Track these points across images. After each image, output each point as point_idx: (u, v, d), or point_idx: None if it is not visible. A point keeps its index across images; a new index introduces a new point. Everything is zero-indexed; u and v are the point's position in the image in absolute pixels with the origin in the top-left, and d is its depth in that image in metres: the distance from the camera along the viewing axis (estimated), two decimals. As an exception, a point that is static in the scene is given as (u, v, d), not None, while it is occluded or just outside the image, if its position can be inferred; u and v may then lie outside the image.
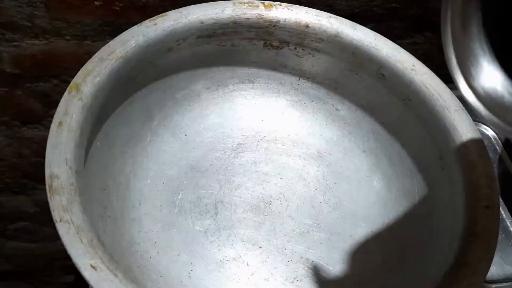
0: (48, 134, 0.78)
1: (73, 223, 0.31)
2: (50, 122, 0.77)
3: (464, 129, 0.42)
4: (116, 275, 0.30)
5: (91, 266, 0.30)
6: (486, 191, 0.38)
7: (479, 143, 0.41)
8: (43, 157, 0.85)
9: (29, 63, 0.65)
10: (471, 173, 0.39)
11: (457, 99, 0.44)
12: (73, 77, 0.67)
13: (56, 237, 0.99)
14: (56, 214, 0.31)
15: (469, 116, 0.43)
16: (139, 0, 0.59)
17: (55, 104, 0.72)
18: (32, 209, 0.95)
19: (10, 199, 0.91)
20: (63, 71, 0.68)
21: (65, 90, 0.70)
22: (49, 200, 0.32)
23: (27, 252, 1.06)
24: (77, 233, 0.31)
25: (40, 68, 0.67)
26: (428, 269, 0.38)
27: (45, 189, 0.90)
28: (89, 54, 0.64)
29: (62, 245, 0.96)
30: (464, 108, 0.44)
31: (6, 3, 0.58)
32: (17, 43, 0.63)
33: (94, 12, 0.60)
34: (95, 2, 0.58)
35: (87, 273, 0.29)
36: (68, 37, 0.63)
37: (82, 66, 0.66)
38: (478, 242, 0.35)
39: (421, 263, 0.40)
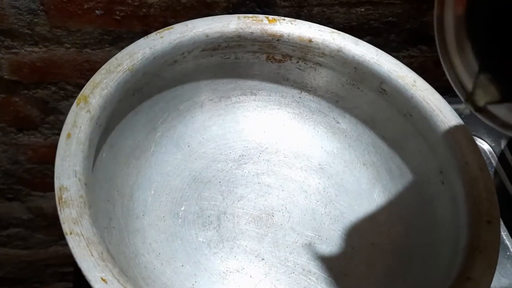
0: (44, 140, 0.78)
1: (83, 235, 0.31)
2: (47, 129, 0.77)
3: (464, 145, 0.43)
4: (126, 288, 0.30)
5: (102, 279, 0.30)
6: (487, 206, 0.39)
7: (479, 159, 0.42)
8: (39, 163, 0.84)
9: (28, 70, 0.65)
10: (472, 188, 0.40)
11: (458, 115, 0.45)
12: (72, 84, 0.68)
13: (48, 244, 0.99)
14: (66, 227, 0.31)
15: (469, 131, 0.44)
16: (140, 10, 0.59)
17: (52, 111, 0.72)
18: (25, 215, 0.95)
19: (3, 205, 0.91)
20: (62, 78, 0.67)
21: (63, 97, 0.70)
22: (59, 213, 0.32)
23: (19, 258, 1.06)
24: (87, 246, 0.31)
25: (38, 75, 0.66)
26: (430, 283, 0.39)
27: (39, 196, 0.89)
28: (88, 62, 0.65)
29: (54, 252, 0.95)
30: (464, 123, 0.44)
31: (6, 11, 0.58)
32: (16, 50, 0.63)
33: (95, 21, 0.60)
34: (96, 11, 0.58)
35: (98, 286, 0.30)
36: (67, 45, 0.63)
37: (81, 74, 0.66)
38: (480, 256, 0.36)
39: (424, 276, 0.41)
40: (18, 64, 0.64)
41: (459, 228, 0.39)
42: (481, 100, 0.38)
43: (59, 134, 0.78)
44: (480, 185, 0.40)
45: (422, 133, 0.46)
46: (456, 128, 0.43)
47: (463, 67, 0.42)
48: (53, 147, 0.81)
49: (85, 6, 0.58)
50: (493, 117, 0.38)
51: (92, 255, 0.31)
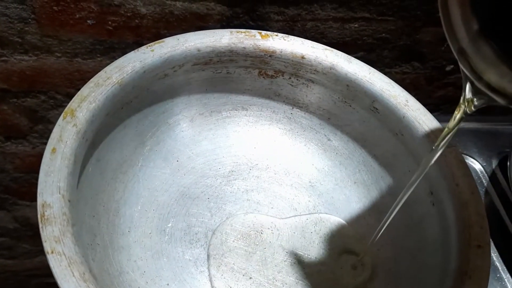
0: (32, 149, 0.77)
1: (65, 255, 0.30)
2: (35, 138, 0.76)
3: (455, 166, 0.42)
4: (107, 311, 0.29)
5: (83, 301, 0.29)
6: (478, 230, 0.38)
7: (470, 181, 0.41)
8: (26, 172, 0.83)
9: (17, 78, 0.65)
10: (463, 211, 0.40)
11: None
12: (61, 93, 0.67)
13: (34, 254, 0.97)
14: (47, 246, 0.31)
15: (460, 153, 0.44)
16: (132, 21, 0.59)
17: (41, 120, 0.72)
18: (11, 225, 0.94)
19: (-11, 215, 0.89)
20: (52, 87, 0.67)
21: (52, 106, 0.70)
22: (40, 230, 0.32)
23: (4, 268, 1.04)
24: (69, 266, 0.30)
25: (28, 83, 0.66)
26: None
27: (25, 205, 0.88)
28: (79, 72, 0.64)
29: (39, 262, 0.94)
30: (455, 145, 0.44)
31: (-4, 19, 0.57)
32: (6, 58, 0.62)
33: (87, 30, 0.59)
34: (88, 21, 0.58)
35: (78, 308, 0.29)
36: (58, 54, 0.62)
37: (71, 83, 0.65)
38: (469, 282, 0.35)
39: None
40: (7, 72, 0.64)
41: (449, 251, 0.39)
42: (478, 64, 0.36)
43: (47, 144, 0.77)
44: (471, 209, 0.40)
45: (413, 153, 0.46)
46: (447, 149, 0.43)
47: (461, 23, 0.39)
48: (41, 156, 0.80)
49: (77, 16, 0.57)
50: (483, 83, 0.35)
51: (73, 275, 0.30)
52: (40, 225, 0.32)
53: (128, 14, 0.58)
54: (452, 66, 0.76)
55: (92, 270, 0.31)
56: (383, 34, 0.66)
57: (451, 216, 0.40)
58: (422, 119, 0.45)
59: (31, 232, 0.96)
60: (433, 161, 0.38)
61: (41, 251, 1.02)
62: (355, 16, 0.63)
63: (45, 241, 0.31)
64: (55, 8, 0.57)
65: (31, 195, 0.86)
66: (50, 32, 0.59)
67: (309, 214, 0.49)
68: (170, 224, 0.44)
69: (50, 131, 0.73)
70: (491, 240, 0.54)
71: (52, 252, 0.30)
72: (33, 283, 1.10)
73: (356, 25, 0.65)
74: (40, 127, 0.73)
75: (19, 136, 0.74)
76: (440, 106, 0.83)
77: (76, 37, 0.60)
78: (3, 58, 0.62)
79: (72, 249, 0.31)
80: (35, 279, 1.09)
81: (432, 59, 0.74)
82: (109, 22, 0.58)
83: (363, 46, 0.67)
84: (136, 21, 0.58)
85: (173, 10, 0.57)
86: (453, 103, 0.83)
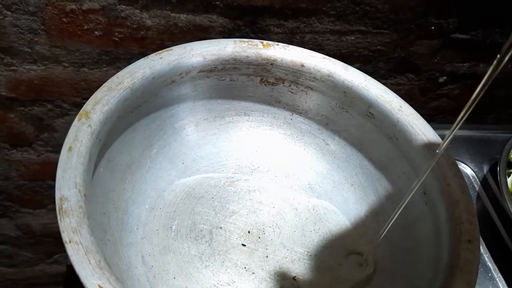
0: (37, 157, 0.79)
1: (82, 244, 0.32)
2: (40, 145, 0.77)
3: (447, 167, 0.45)
4: (122, 296, 0.31)
5: (99, 286, 0.31)
6: (468, 227, 0.40)
7: (461, 181, 0.44)
8: (30, 180, 0.84)
9: (25, 87, 0.66)
10: (454, 210, 0.42)
11: (441, 139, 0.47)
12: (67, 102, 0.69)
13: (34, 262, 0.98)
14: (65, 236, 0.33)
15: (451, 155, 0.46)
16: (138, 32, 0.61)
17: (47, 128, 0.73)
18: (13, 232, 0.94)
19: (-9, 222, 0.90)
20: (58, 96, 0.68)
21: (58, 115, 0.71)
22: (59, 222, 0.34)
23: (4, 277, 1.04)
24: (86, 254, 0.32)
25: (35, 92, 0.67)
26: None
27: (28, 213, 0.89)
28: (85, 81, 0.66)
29: (40, 271, 0.94)
30: (447, 148, 0.47)
31: (8, 29, 0.59)
32: (15, 68, 0.64)
33: (94, 41, 0.61)
34: (95, 32, 0.60)
35: (95, 293, 0.31)
36: (66, 64, 0.64)
37: (77, 92, 0.67)
38: (460, 274, 0.37)
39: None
40: (16, 81, 0.65)
41: (441, 247, 0.41)
42: None
43: (52, 152, 0.79)
44: (461, 207, 0.42)
45: (407, 156, 0.48)
46: (439, 151, 0.46)
47: None
48: (45, 165, 0.81)
49: (85, 27, 0.59)
50: None
51: (90, 263, 0.32)
52: (59, 217, 0.34)
53: (134, 26, 0.60)
54: (445, 77, 0.79)
55: (106, 259, 0.33)
56: (379, 47, 0.69)
57: (443, 214, 0.43)
58: (416, 123, 0.47)
59: (32, 240, 0.96)
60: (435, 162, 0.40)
61: (41, 260, 1.03)
62: (352, 29, 0.66)
63: (63, 232, 0.33)
64: (64, 19, 0.58)
65: (34, 203, 0.87)
66: (58, 43, 0.61)
67: (309, 213, 0.51)
68: (176, 222, 0.46)
69: (56, 139, 0.75)
70: (483, 241, 0.56)
71: (70, 242, 0.32)
72: (33, 292, 1.10)
73: (352, 38, 0.67)
74: (46, 135, 0.74)
75: (24, 144, 0.76)
76: (434, 117, 0.85)
77: (84, 48, 0.62)
78: (13, 68, 0.64)
79: (88, 239, 0.33)
80: (34, 288, 1.09)
81: (426, 71, 0.76)
82: (116, 34, 0.60)
83: (360, 58, 0.70)
84: (142, 32, 0.60)
85: (177, 22, 0.60)
86: (447, 114, 0.85)
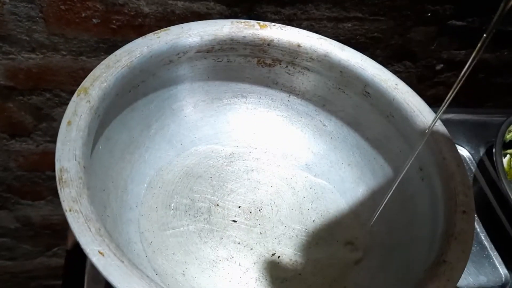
0: (36, 148, 0.79)
1: (81, 212, 0.33)
2: (39, 136, 0.77)
3: (442, 142, 0.45)
4: (122, 261, 0.31)
5: (99, 252, 0.31)
6: (463, 198, 0.41)
7: (456, 155, 0.44)
8: (29, 171, 0.84)
9: (24, 76, 0.66)
10: (449, 182, 0.42)
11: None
12: (66, 91, 0.69)
13: (34, 255, 0.97)
14: (66, 205, 0.33)
15: (446, 130, 0.47)
16: (135, 20, 0.61)
17: (45, 118, 0.74)
18: (12, 225, 0.94)
19: (-10, 214, 0.90)
20: (57, 85, 0.69)
21: (57, 104, 0.72)
22: (59, 191, 0.34)
23: (3, 270, 1.05)
24: (86, 222, 0.32)
25: (34, 81, 0.68)
26: (410, 267, 0.41)
27: (27, 204, 0.89)
28: (83, 70, 0.66)
29: (40, 263, 0.94)
30: (442, 124, 0.47)
31: (6, 17, 0.59)
32: (13, 56, 0.64)
33: (92, 29, 0.61)
34: (93, 20, 0.60)
35: (95, 259, 0.31)
36: (64, 52, 0.64)
37: (75, 81, 0.68)
38: (455, 242, 0.38)
39: (404, 263, 0.43)
40: (15, 70, 0.65)
41: (437, 218, 0.41)
42: None
43: (51, 142, 0.79)
44: (457, 179, 0.42)
45: (403, 133, 0.49)
46: (434, 127, 0.46)
47: None
48: (44, 155, 0.81)
49: (83, 15, 0.60)
50: None
51: (90, 230, 0.32)
52: (59, 187, 0.34)
53: (132, 13, 0.60)
54: (442, 65, 0.79)
55: (106, 227, 0.33)
56: (376, 34, 0.69)
57: (439, 187, 0.43)
58: (411, 100, 0.48)
59: (32, 232, 0.96)
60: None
61: (41, 252, 1.03)
62: (348, 15, 0.66)
63: (63, 201, 0.33)
64: (62, 7, 0.59)
65: (33, 195, 0.87)
66: (56, 31, 0.61)
67: (306, 192, 0.51)
68: (175, 200, 0.47)
69: (54, 129, 0.75)
70: (479, 221, 0.57)
71: (70, 210, 0.33)
72: (32, 285, 1.10)
73: (349, 25, 0.68)
74: (44, 125, 0.74)
75: (23, 134, 0.76)
76: (431, 105, 0.86)
77: (82, 36, 0.62)
78: (11, 56, 0.64)
79: (88, 208, 0.33)
80: (34, 281, 1.10)
81: (423, 58, 0.77)
82: (113, 21, 0.61)
83: (356, 45, 0.70)
84: (139, 20, 0.61)
85: (174, 10, 0.60)
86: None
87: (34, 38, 0.62)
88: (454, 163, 0.43)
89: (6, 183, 0.84)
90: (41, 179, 0.84)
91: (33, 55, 0.65)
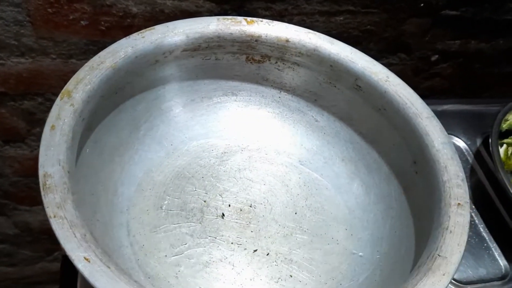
0: (30, 153, 0.78)
1: (66, 218, 0.32)
2: (33, 141, 0.77)
3: (435, 134, 0.44)
4: (108, 267, 0.31)
5: (85, 258, 0.31)
6: (457, 190, 0.40)
7: (449, 147, 0.43)
8: (24, 176, 0.84)
9: (14, 81, 0.66)
10: (443, 175, 0.42)
11: (428, 107, 0.47)
12: (57, 95, 0.68)
13: (34, 260, 0.97)
14: (50, 211, 0.32)
15: (439, 122, 0.46)
16: (124, 20, 0.60)
17: (38, 123, 0.73)
18: (11, 231, 0.94)
19: (-11, 221, 0.90)
20: (48, 89, 0.68)
21: (49, 108, 0.71)
22: (42, 198, 0.33)
23: (4, 276, 1.04)
24: (71, 228, 0.32)
25: (25, 86, 0.67)
26: (405, 261, 0.40)
27: (25, 210, 0.88)
28: (74, 72, 0.65)
29: (40, 269, 0.94)
30: (434, 115, 0.46)
31: (-7, 22, 0.59)
32: (3, 62, 0.64)
33: (80, 31, 0.61)
34: (81, 22, 0.60)
35: (81, 265, 0.31)
36: (53, 56, 0.64)
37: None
38: (451, 236, 0.37)
39: (399, 257, 0.42)
40: (5, 75, 0.65)
41: (432, 211, 0.41)
42: None
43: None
44: (451, 172, 0.42)
45: (396, 126, 0.48)
46: (427, 119, 0.45)
47: None
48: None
49: (71, 17, 0.59)
50: None
51: (75, 236, 0.32)
52: (42, 193, 0.33)
53: (120, 14, 0.59)
54: (436, 56, 0.79)
55: (92, 233, 0.33)
56: (368, 26, 0.69)
57: (433, 181, 0.42)
58: (403, 93, 0.47)
59: (31, 238, 0.96)
60: None
61: (41, 258, 1.02)
62: (340, 9, 0.66)
63: (47, 207, 0.33)
64: (49, 10, 0.58)
65: (31, 200, 0.87)
66: (45, 34, 0.61)
67: (300, 189, 0.51)
68: (166, 202, 0.46)
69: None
70: (478, 213, 0.56)
71: (54, 217, 0.32)
72: (33, 291, 1.10)
73: (341, 18, 0.67)
74: (38, 130, 0.74)
75: (17, 140, 0.75)
76: (428, 97, 0.85)
77: (70, 38, 0.62)
78: (0, 62, 0.64)
79: (73, 214, 0.33)
80: (35, 287, 1.09)
81: (418, 50, 0.76)
82: (102, 22, 0.60)
83: (349, 39, 0.69)
84: (128, 20, 0.60)
85: (163, 9, 0.60)
86: (440, 93, 0.85)
87: (23, 42, 0.62)
88: (447, 154, 0.43)
89: (2, 189, 0.84)
90: (37, 184, 0.84)
91: (22, 60, 0.64)
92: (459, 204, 0.39)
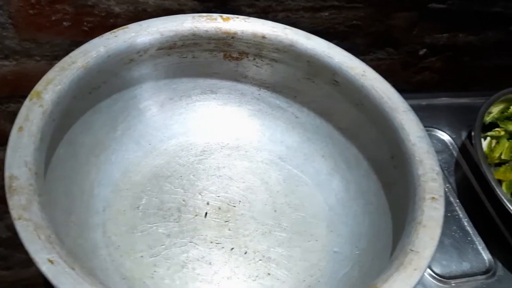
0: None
1: (31, 220, 0.32)
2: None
3: (411, 128, 0.44)
4: (73, 268, 0.31)
5: (49, 260, 0.31)
6: (432, 184, 0.40)
7: (425, 140, 0.43)
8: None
9: (-1, 84, 0.66)
10: (418, 169, 0.41)
11: (405, 101, 0.47)
12: (43, 97, 0.68)
13: (30, 263, 0.98)
14: (14, 213, 0.32)
15: (416, 116, 0.45)
16: (107, 20, 0.60)
17: (26, 125, 0.72)
18: (4, 234, 0.94)
19: (-20, 224, 0.90)
20: (34, 91, 0.68)
21: (35, 110, 0.70)
22: (7, 200, 0.33)
23: (0, 279, 1.04)
24: (35, 230, 0.32)
25: (10, 88, 0.67)
26: (383, 257, 0.40)
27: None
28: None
29: (37, 271, 0.94)
30: (411, 109, 0.46)
31: (-26, 25, 0.59)
32: (-14, 65, 0.63)
33: (64, 32, 0.61)
34: (64, 23, 0.59)
35: (45, 267, 0.30)
36: (37, 58, 0.64)
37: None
38: (424, 230, 0.37)
39: (377, 253, 0.42)
40: (-11, 78, 0.65)
41: (407, 205, 0.40)
42: None
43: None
44: (426, 166, 0.41)
45: (374, 121, 0.48)
46: (403, 113, 0.45)
47: None
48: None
49: (53, 18, 0.59)
50: None
51: (39, 238, 0.31)
52: (8, 195, 0.33)
53: (103, 14, 0.59)
54: (425, 50, 0.78)
55: (59, 234, 0.33)
56: (354, 21, 0.68)
57: (409, 175, 0.42)
58: (379, 86, 0.47)
59: (24, 241, 0.96)
60: None
61: (36, 260, 1.01)
62: (325, 4, 0.65)
63: (12, 209, 0.32)
64: (30, 11, 0.58)
65: (22, 203, 0.86)
66: (28, 36, 0.61)
67: (280, 187, 0.50)
68: (143, 202, 0.46)
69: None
70: (463, 208, 0.56)
71: (19, 219, 0.32)
72: (30, 294, 1.10)
73: (326, 14, 0.66)
74: (26, 132, 0.73)
75: (5, 143, 0.75)
76: (419, 91, 0.84)
77: (54, 40, 0.61)
78: (-16, 65, 0.63)
79: (39, 215, 0.32)
80: (31, 290, 1.09)
81: (406, 44, 0.75)
82: (85, 23, 0.60)
83: (336, 35, 0.69)
84: (111, 20, 0.60)
85: (146, 8, 0.59)
86: (432, 87, 0.84)
87: (6, 45, 0.62)
88: (423, 148, 0.42)
89: (-8, 193, 0.83)
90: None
91: (6, 62, 0.64)
92: (433, 198, 0.39)
